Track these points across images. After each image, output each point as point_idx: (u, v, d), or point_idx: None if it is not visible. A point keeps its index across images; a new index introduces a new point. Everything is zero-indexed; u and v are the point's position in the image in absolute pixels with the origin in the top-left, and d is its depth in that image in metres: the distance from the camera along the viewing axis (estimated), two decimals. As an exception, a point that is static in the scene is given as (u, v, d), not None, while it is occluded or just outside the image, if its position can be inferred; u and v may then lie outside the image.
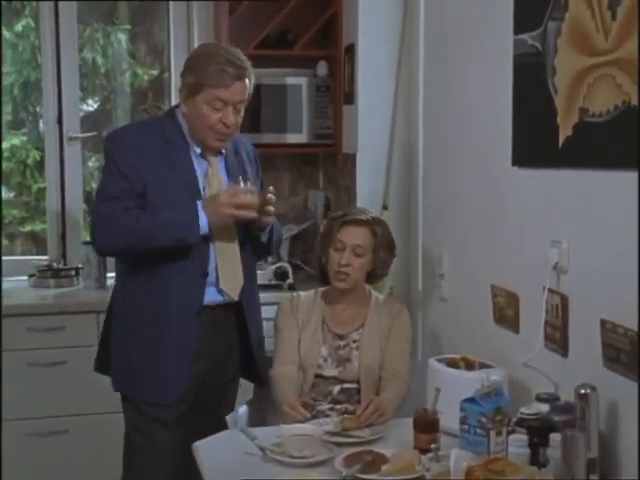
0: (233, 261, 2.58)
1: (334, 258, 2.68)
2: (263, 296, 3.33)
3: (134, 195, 2.48)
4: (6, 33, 4.05)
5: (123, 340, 2.59)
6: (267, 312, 2.87)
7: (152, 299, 2.53)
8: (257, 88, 3.83)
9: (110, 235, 2.49)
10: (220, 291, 2.57)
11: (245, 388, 2.96)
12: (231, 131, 2.54)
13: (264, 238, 2.65)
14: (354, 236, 2.68)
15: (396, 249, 2.80)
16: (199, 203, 2.48)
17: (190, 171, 2.55)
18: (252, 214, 2.49)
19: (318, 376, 2.65)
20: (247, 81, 2.53)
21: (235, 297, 2.60)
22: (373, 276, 2.78)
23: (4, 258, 3.89)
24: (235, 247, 2.59)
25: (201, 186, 2.55)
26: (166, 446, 2.54)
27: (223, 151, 2.62)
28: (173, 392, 2.52)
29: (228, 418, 2.59)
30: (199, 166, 2.57)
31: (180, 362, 2.52)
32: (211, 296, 2.56)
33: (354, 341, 2.69)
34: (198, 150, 2.57)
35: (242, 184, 2.52)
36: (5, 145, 4.14)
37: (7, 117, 4.13)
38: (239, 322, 2.66)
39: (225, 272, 2.56)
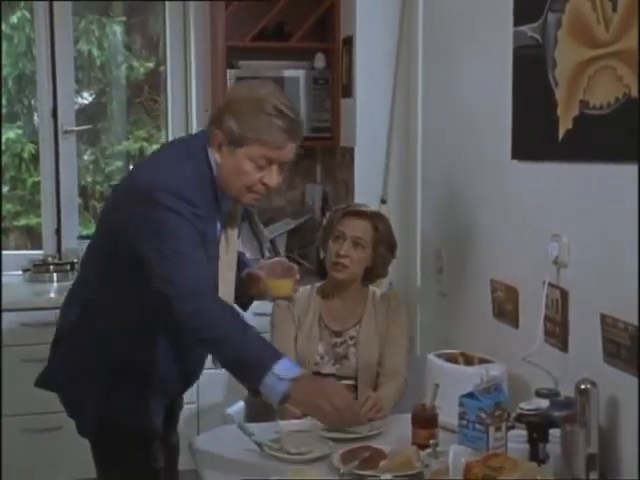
0: None
1: (333, 248, 2.66)
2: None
3: None
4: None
5: (105, 370, 2.22)
6: (264, 308, 2.85)
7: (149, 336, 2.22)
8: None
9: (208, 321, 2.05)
10: None
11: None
12: (271, 191, 2.21)
13: None
14: (355, 227, 2.66)
15: (397, 249, 2.77)
16: (298, 374, 2.03)
17: (216, 241, 2.22)
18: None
19: (315, 373, 2.63)
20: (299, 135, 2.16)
21: None
22: (372, 275, 2.75)
23: (-2, 253, 3.87)
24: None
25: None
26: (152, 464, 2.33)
27: None
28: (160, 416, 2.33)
29: (225, 414, 2.57)
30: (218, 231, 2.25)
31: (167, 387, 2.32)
32: None
33: (351, 338, 2.67)
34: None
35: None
36: (0, 138, 4.12)
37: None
38: None
39: None
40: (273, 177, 2.14)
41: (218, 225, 2.22)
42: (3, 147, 4.06)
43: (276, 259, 2.44)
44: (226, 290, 2.26)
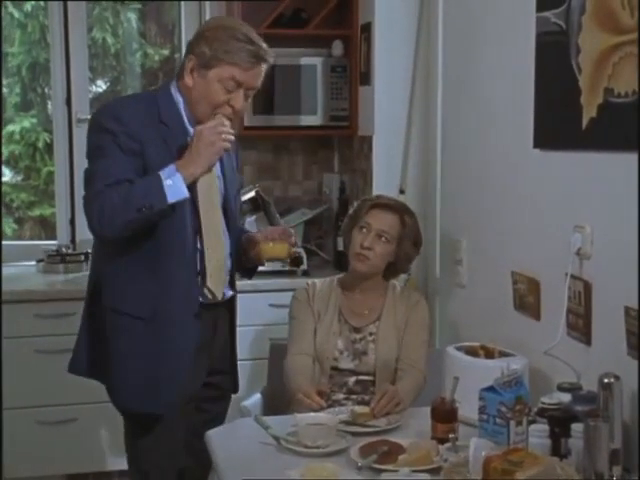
0: (220, 259, 2.40)
1: (357, 239, 2.62)
2: (276, 282, 3.31)
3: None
4: (15, 12, 4.00)
5: (126, 351, 2.36)
6: (280, 299, 2.83)
7: (151, 302, 2.33)
8: (270, 69, 3.77)
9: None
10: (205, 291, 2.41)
11: (258, 376, 2.92)
12: (235, 117, 2.37)
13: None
14: (382, 221, 2.63)
15: (422, 246, 2.74)
16: (171, 166, 2.23)
17: None
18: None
19: (334, 368, 2.61)
20: (264, 67, 2.36)
21: (219, 296, 2.44)
22: (393, 270, 2.71)
23: (12, 243, 3.86)
24: (223, 243, 2.41)
25: None
26: (175, 444, 2.43)
27: None
28: (181, 393, 2.39)
29: (241, 406, 2.55)
30: None
31: (183, 360, 2.38)
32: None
33: (370, 334, 2.64)
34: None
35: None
36: (15, 128, 4.11)
37: (15, 99, 4.10)
38: (231, 323, 2.55)
39: (212, 269, 2.38)
40: (239, 99, 2.32)
41: None
42: (17, 137, 4.06)
43: (276, 227, 2.45)
44: (212, 228, 2.36)
